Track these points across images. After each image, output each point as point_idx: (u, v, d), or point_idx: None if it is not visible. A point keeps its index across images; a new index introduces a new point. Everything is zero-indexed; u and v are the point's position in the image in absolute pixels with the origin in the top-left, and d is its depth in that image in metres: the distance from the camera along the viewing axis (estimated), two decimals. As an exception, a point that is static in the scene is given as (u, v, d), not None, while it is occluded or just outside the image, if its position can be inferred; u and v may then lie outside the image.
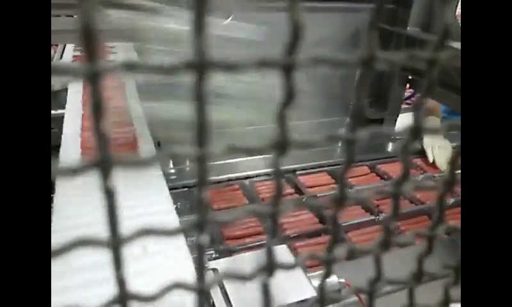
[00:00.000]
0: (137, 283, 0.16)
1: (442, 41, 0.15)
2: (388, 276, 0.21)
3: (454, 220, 1.07)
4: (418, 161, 1.43)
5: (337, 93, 1.65)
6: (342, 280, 0.74)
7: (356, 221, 1.08)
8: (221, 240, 0.98)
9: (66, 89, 0.97)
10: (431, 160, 1.42)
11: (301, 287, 0.65)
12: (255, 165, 1.25)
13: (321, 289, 0.20)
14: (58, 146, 0.74)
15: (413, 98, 1.94)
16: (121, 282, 0.14)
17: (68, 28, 0.99)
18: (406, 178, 0.18)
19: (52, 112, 1.05)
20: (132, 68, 0.11)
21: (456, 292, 0.22)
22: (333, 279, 0.73)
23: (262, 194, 1.16)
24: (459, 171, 0.19)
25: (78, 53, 1.18)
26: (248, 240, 0.99)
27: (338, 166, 1.30)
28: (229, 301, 0.63)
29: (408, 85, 1.71)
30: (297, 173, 1.29)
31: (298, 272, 0.66)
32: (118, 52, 1.07)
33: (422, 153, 1.47)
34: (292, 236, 1.01)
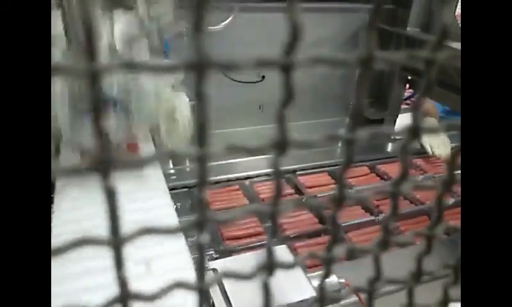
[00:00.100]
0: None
1: (440, 41, 0.15)
2: (388, 276, 0.21)
3: (454, 220, 1.07)
4: (418, 161, 1.44)
5: (337, 93, 1.65)
6: (342, 280, 0.74)
7: (356, 221, 1.08)
8: (221, 241, 0.98)
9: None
10: (430, 153, 1.43)
11: (301, 287, 0.65)
12: (255, 166, 1.26)
13: (321, 289, 0.21)
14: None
15: (412, 98, 1.95)
16: (122, 282, 0.14)
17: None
18: (405, 177, 0.18)
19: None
20: (131, 68, 0.12)
21: (455, 292, 0.22)
22: (333, 279, 0.73)
23: (262, 194, 1.17)
24: (459, 171, 0.20)
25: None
26: (248, 240, 0.99)
27: (337, 166, 1.30)
28: (229, 301, 0.63)
29: (407, 85, 1.72)
30: (297, 173, 1.29)
31: (298, 273, 0.66)
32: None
33: (422, 153, 1.47)
34: (292, 236, 1.01)
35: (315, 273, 0.74)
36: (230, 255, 0.93)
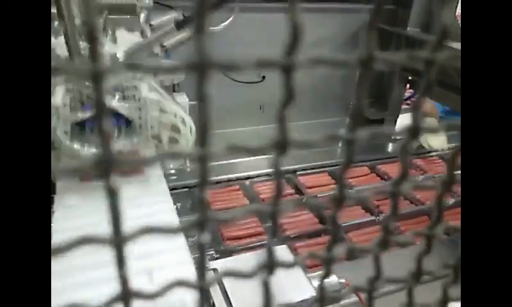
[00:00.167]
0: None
1: (440, 41, 0.15)
2: (388, 275, 0.21)
3: (454, 220, 1.07)
4: (419, 161, 1.44)
5: (337, 93, 1.66)
6: (342, 280, 0.74)
7: (356, 221, 1.08)
8: (221, 241, 0.98)
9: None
10: (426, 146, 1.45)
11: (301, 287, 0.65)
12: (256, 166, 1.26)
13: (321, 288, 0.21)
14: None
15: (413, 99, 1.95)
16: (123, 280, 0.15)
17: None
18: (405, 177, 0.18)
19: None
20: (133, 69, 0.12)
21: (455, 291, 0.22)
22: (333, 279, 0.73)
23: (263, 194, 1.17)
24: (459, 172, 0.20)
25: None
26: (248, 240, 0.99)
27: (337, 166, 1.31)
28: (229, 301, 0.64)
29: (408, 85, 1.72)
30: (298, 173, 1.30)
31: (298, 273, 0.66)
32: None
33: (422, 154, 1.48)
34: (292, 236, 1.01)
35: (316, 273, 0.74)
36: (231, 255, 0.93)
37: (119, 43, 0.70)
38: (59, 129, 0.59)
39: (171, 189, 0.66)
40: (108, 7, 0.78)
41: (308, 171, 1.32)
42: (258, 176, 1.24)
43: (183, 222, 0.16)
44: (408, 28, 1.55)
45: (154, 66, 0.13)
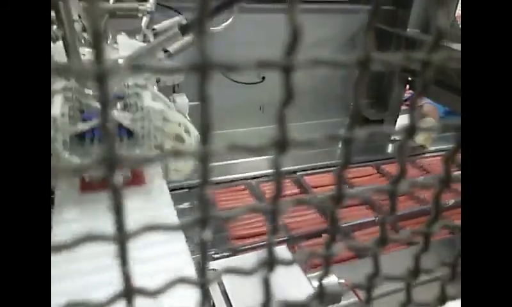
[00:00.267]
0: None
1: (436, 42, 0.15)
2: (386, 273, 0.22)
3: (454, 221, 1.08)
4: (421, 162, 1.45)
5: (338, 94, 1.66)
6: (342, 280, 0.74)
7: (362, 221, 1.10)
8: (226, 240, 0.99)
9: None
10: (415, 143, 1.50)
11: (301, 288, 0.65)
12: (262, 166, 1.27)
13: (320, 285, 0.21)
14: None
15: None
16: (126, 277, 0.15)
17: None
18: (402, 176, 0.18)
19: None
20: (137, 69, 0.12)
21: (453, 289, 0.23)
22: (333, 280, 0.73)
23: (269, 193, 1.18)
24: (459, 172, 0.20)
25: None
26: (252, 240, 1.00)
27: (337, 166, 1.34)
28: (229, 302, 0.64)
29: (407, 86, 1.72)
30: (303, 173, 1.32)
31: (298, 274, 0.67)
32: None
33: (424, 153, 1.50)
34: (296, 236, 1.02)
35: (315, 274, 0.74)
36: (235, 254, 0.93)
37: (120, 49, 0.69)
38: (58, 141, 0.55)
39: (171, 190, 0.65)
40: (108, 12, 0.77)
41: (314, 171, 1.34)
42: (264, 176, 1.26)
43: (184, 221, 0.16)
44: (408, 29, 1.55)
45: (157, 66, 0.13)
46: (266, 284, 0.18)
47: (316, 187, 1.26)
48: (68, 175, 0.15)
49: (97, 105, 0.59)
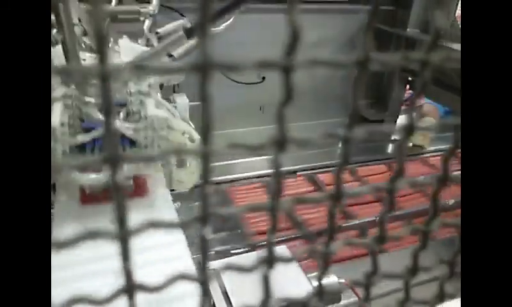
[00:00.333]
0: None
1: (434, 42, 0.15)
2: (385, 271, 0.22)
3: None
4: (432, 160, 1.48)
5: (338, 94, 1.66)
6: (342, 280, 0.74)
7: (375, 218, 1.11)
8: (244, 236, 1.00)
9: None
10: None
11: (301, 288, 0.65)
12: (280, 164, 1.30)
13: (319, 284, 0.21)
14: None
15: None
16: (127, 273, 0.15)
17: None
18: (400, 174, 0.18)
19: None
20: (140, 70, 0.12)
21: (451, 287, 0.23)
22: (333, 279, 0.73)
23: (285, 191, 1.20)
24: (459, 172, 0.20)
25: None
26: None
27: (356, 164, 1.38)
28: (229, 301, 0.64)
29: (407, 86, 1.73)
30: (317, 171, 1.36)
31: (298, 274, 0.67)
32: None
33: (429, 152, 1.52)
34: (312, 232, 1.03)
35: (315, 273, 0.74)
36: (255, 250, 0.94)
37: (122, 53, 0.68)
38: (57, 152, 0.53)
39: (171, 190, 0.65)
40: (110, 15, 0.76)
41: (327, 169, 1.38)
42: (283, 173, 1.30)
43: (184, 220, 0.17)
44: (408, 29, 1.55)
45: (158, 67, 0.13)
46: (265, 282, 0.18)
47: (329, 185, 1.30)
48: (68, 175, 0.15)
49: (98, 114, 0.58)
